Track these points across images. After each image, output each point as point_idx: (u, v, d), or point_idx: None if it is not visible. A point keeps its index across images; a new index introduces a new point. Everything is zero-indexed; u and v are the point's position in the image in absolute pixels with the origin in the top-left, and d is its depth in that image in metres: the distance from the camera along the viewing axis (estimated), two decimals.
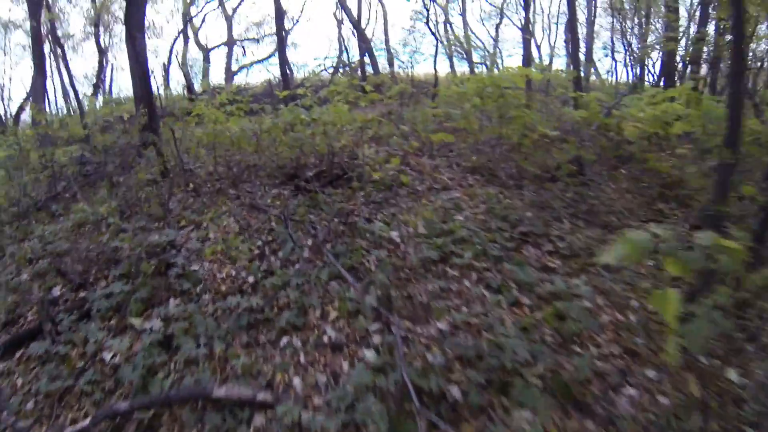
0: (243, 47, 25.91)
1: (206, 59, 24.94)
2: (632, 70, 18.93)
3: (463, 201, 5.54)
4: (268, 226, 5.05)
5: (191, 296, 3.95)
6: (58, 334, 3.95)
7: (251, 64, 24.13)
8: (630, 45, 17.52)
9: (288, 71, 22.56)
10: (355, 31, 18.09)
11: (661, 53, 12.85)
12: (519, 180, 6.32)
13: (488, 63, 21.62)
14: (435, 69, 12.90)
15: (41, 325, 4.07)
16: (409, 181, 6.24)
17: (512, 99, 6.19)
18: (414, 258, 4.15)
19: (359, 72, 17.42)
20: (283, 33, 10.30)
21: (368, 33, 20.42)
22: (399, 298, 3.59)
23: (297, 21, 23.81)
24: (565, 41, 21.68)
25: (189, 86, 18.46)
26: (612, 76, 21.36)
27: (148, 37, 26.86)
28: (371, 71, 18.16)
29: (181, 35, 23.56)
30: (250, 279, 4.06)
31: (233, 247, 4.51)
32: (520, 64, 21.28)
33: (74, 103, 17.39)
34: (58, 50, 16.75)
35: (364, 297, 3.42)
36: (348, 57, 20.31)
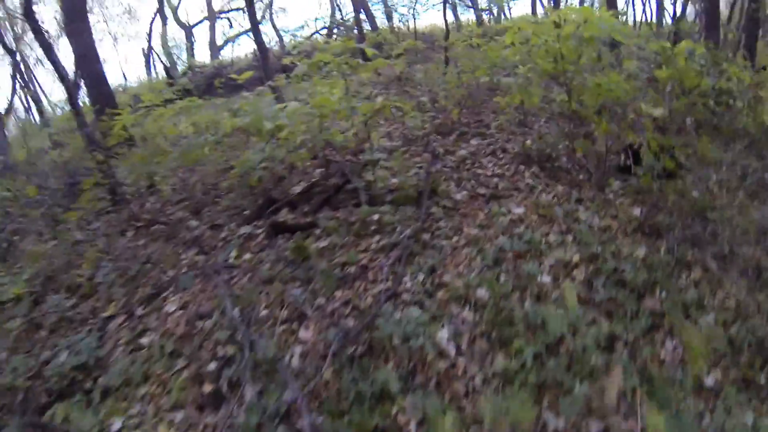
0: (228, 19, 23.47)
1: (189, 37, 22.63)
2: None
3: (533, 227, 3.48)
4: (228, 318, 3.09)
5: None
6: None
7: (237, 36, 21.71)
8: None
9: (278, 38, 20.12)
10: None
11: None
12: (599, 175, 4.18)
13: (493, 9, 18.78)
14: (445, 18, 10.51)
15: None
16: (444, 188, 4.19)
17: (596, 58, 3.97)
18: (487, 407, 2.15)
19: (356, 31, 15.00)
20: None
21: None
22: None
23: None
24: None
25: (167, 70, 16.42)
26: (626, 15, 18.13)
27: (127, 21, 24.61)
28: (369, 29, 15.72)
29: (158, 15, 21.25)
30: None
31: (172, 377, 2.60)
32: (532, 10, 18.61)
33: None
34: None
35: None
36: (342, 16, 17.82)
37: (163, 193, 5.54)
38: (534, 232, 3.37)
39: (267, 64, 8.02)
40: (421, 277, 3.03)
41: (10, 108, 14.96)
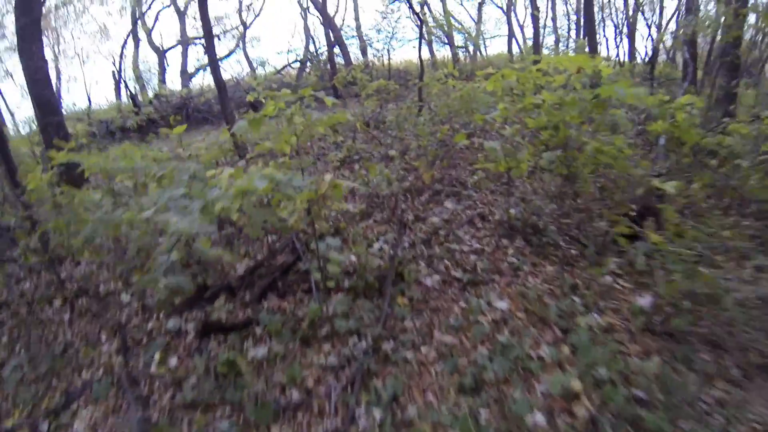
0: (203, 45, 22.72)
1: (161, 62, 21.86)
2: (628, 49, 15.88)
3: (520, 331, 2.84)
4: None
5: None
6: None
7: (208, 65, 20.95)
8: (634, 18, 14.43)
9: (250, 68, 19.54)
10: (321, 19, 15.12)
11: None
12: (595, 252, 3.59)
13: (469, 47, 18.57)
14: (420, 57, 10.04)
15: None
16: (412, 269, 3.56)
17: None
18: None
19: (328, 66, 14.53)
20: (211, 25, 7.47)
21: (337, 20, 17.38)
22: None
23: (258, 13, 20.54)
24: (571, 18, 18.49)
25: (133, 97, 15.64)
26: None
27: (104, 40, 23.72)
28: (342, 62, 15.28)
29: (131, 36, 20.50)
30: None
31: None
32: (508, 49, 18.41)
33: None
34: None
35: None
36: (316, 48, 17.32)
37: (92, 257, 4.80)
38: (522, 341, 2.73)
39: (226, 102, 7.41)
40: (378, 413, 2.35)
41: None
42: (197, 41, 21.86)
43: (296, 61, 17.01)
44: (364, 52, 16.50)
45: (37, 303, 4.44)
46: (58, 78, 19.02)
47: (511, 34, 18.01)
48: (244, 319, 3.17)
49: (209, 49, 7.15)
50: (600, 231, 3.49)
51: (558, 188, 4.12)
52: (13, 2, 7.61)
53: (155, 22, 21.06)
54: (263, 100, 8.11)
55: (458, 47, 16.21)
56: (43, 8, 8.67)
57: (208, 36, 7.11)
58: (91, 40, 19.37)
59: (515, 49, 17.74)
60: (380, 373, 2.61)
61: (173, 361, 3.07)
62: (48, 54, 17.58)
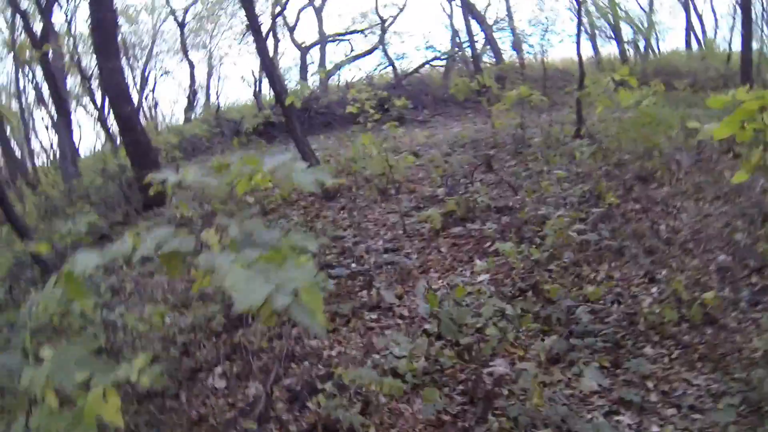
0: (350, 42, 21.45)
1: (303, 60, 21.03)
2: None
3: None
4: None
5: None
6: None
7: (346, 62, 19.47)
8: None
9: (391, 65, 17.52)
10: (462, 7, 12.50)
11: None
12: None
13: (639, 42, 14.62)
14: (579, 54, 7.16)
15: None
16: None
17: None
18: None
19: (472, 65, 11.88)
20: (258, 21, 5.88)
21: (490, 13, 14.41)
22: None
23: (402, 8, 18.33)
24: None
25: (256, 96, 14.57)
26: None
27: (248, 38, 24.00)
28: (494, 60, 12.54)
29: (271, 34, 19.94)
30: None
31: None
32: (686, 44, 14.11)
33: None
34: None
35: None
36: (460, 43, 14.61)
37: None
38: None
39: (291, 119, 5.70)
40: None
41: None
42: (337, 39, 20.65)
43: (437, 58, 14.59)
44: (517, 49, 13.45)
45: None
46: (209, 78, 19.48)
47: (689, 27, 14.11)
48: None
49: (261, 50, 5.43)
50: None
51: None
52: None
53: (297, 20, 20.17)
54: (371, 110, 6.05)
55: (627, 42, 12.58)
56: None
57: (256, 33, 5.45)
58: (235, 40, 19.53)
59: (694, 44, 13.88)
60: None
61: None
62: (199, 55, 17.95)
